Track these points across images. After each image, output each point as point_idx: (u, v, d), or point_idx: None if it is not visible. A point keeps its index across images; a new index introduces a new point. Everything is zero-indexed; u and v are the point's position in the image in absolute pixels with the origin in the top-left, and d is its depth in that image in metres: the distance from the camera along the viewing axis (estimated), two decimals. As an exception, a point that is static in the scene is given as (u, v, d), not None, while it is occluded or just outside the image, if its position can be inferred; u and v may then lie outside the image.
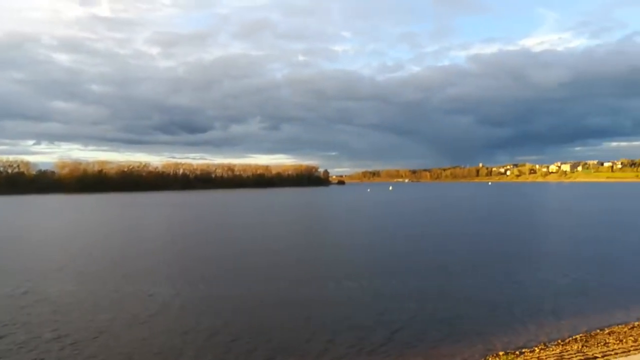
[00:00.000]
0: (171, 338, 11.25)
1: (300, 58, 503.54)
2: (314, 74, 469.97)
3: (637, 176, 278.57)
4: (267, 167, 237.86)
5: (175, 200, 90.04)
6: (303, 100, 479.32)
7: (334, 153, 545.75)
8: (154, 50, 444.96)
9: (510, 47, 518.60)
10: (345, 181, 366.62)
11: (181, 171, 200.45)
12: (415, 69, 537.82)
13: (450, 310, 13.47)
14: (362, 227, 38.90)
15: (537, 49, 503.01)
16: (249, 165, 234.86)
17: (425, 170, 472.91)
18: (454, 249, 25.33)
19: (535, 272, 18.64)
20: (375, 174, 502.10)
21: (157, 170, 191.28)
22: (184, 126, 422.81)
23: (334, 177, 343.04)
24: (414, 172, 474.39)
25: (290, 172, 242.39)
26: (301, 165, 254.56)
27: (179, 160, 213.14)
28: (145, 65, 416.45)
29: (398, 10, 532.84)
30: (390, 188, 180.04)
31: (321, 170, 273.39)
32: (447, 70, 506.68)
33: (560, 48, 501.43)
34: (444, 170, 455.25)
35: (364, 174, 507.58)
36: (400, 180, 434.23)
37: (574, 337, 10.98)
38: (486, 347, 10.45)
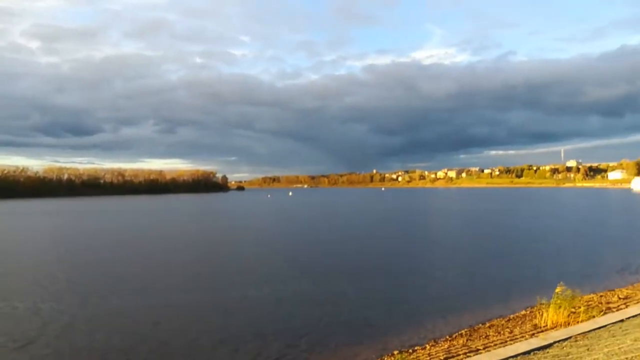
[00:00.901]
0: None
1: (198, 60, 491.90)
2: (211, 77, 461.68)
3: (511, 181, 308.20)
4: (160, 173, 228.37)
5: (51, 208, 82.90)
6: (200, 104, 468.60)
7: (233, 158, 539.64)
8: (34, 44, 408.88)
9: (403, 59, 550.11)
10: (245, 187, 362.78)
11: (65, 176, 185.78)
12: (313, 76, 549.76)
13: (348, 313, 13.85)
14: (260, 234, 38.69)
15: (427, 61, 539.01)
16: (142, 170, 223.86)
17: (323, 176, 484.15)
18: (353, 251, 26.11)
19: (426, 272, 19.83)
20: (275, 179, 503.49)
21: (37, 175, 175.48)
22: (70, 128, 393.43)
23: (233, 182, 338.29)
24: (312, 177, 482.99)
25: (185, 178, 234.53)
26: (198, 171, 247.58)
27: (63, 165, 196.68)
28: (24, 60, 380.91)
29: (297, 18, 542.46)
30: (290, 193, 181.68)
31: (219, 175, 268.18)
32: (343, 80, 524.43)
33: (447, 62, 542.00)
34: (341, 176, 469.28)
35: (264, 179, 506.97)
36: (300, 185, 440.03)
37: (459, 332, 11.82)
38: (382, 348, 10.90)
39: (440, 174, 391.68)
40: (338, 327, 12.56)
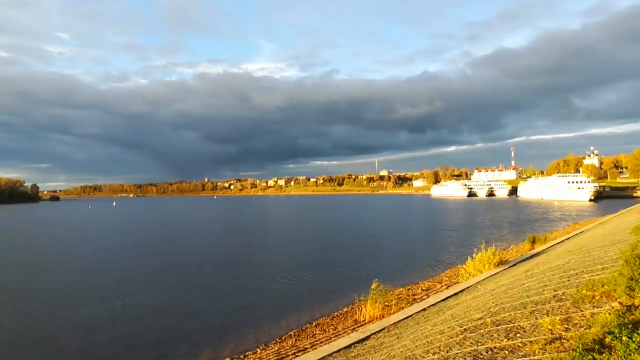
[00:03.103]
0: None
1: (3, 54, 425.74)
2: (20, 74, 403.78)
3: (334, 189, 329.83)
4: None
5: None
6: (6, 103, 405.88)
7: (45, 165, 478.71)
8: None
9: (235, 70, 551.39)
10: (61, 197, 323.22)
11: None
12: (142, 81, 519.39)
13: (182, 325, 13.46)
14: (77, 249, 35.04)
15: (258, 74, 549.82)
16: None
17: (151, 184, 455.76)
18: (182, 263, 25.27)
19: (256, 278, 20.12)
20: (96, 188, 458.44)
21: None
22: None
23: (45, 192, 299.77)
24: (139, 186, 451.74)
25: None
26: (0, 179, 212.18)
27: None
28: None
29: (124, 19, 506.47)
30: (114, 203, 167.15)
31: (28, 184, 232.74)
32: (174, 86, 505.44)
33: (277, 76, 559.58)
34: (171, 184, 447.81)
35: (84, 188, 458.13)
36: (125, 195, 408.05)
37: (289, 333, 12.28)
38: (215, 357, 10.79)
39: (271, 182, 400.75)
40: (169, 340, 12.10)
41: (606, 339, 4.02)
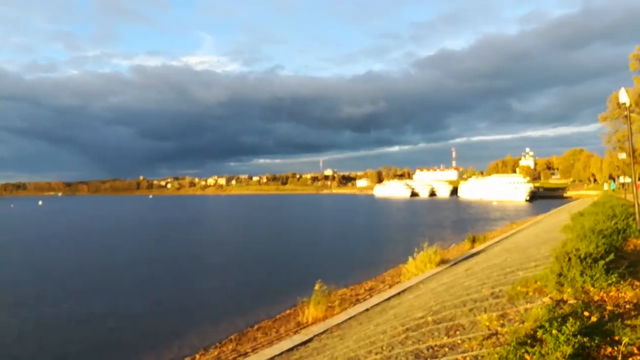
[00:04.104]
0: None
1: None
2: None
3: (277, 188, 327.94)
4: None
5: None
6: None
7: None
8: None
9: (174, 63, 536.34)
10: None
11: None
12: (72, 72, 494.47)
13: (114, 331, 12.87)
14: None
15: (199, 67, 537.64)
16: None
17: (82, 182, 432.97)
18: (112, 266, 24.25)
19: (195, 282, 19.63)
20: (20, 186, 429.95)
21: None
22: None
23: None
24: (69, 184, 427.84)
25: None
26: None
27: None
28: None
29: (52, 5, 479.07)
30: (40, 202, 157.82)
31: None
32: (108, 78, 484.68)
33: (218, 70, 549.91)
34: (103, 182, 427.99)
35: (5, 186, 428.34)
36: (53, 193, 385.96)
37: (229, 337, 12.03)
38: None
39: (211, 181, 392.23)
40: (101, 346, 11.56)
41: (538, 333, 4.20)
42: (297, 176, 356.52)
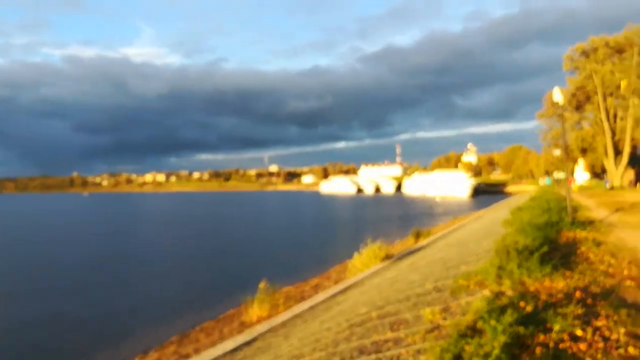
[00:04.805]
0: None
1: None
2: None
3: (220, 185, 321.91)
4: None
5: None
6: None
7: None
8: None
9: (111, 54, 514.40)
10: None
11: None
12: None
13: (49, 335, 12.21)
14: None
15: (137, 59, 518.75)
16: None
17: (8, 179, 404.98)
18: (41, 267, 22.98)
19: (133, 283, 18.95)
20: None
21: None
22: None
23: None
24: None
25: None
26: None
27: None
28: None
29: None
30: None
31: None
32: (39, 68, 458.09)
33: (158, 62, 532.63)
34: (33, 180, 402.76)
35: None
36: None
37: (170, 339, 11.68)
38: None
39: (149, 177, 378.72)
40: (33, 352, 10.88)
41: (477, 324, 4.33)
42: (241, 172, 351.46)
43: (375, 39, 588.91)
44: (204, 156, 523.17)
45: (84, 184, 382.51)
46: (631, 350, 3.97)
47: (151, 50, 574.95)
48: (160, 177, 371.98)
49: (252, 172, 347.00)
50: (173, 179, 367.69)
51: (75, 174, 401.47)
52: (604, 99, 58.98)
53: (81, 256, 26.98)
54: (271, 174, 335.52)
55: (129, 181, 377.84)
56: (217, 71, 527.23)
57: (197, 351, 10.01)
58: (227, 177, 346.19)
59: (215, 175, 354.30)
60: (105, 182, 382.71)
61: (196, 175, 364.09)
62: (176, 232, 42.68)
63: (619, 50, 58.48)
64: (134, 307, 15.17)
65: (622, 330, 4.39)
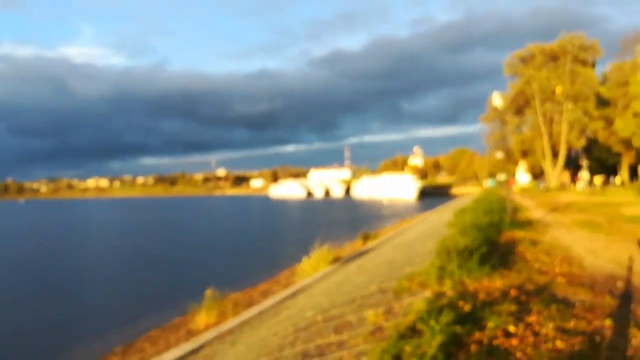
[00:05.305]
0: None
1: None
2: None
3: (165, 190, 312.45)
4: None
5: None
6: None
7: None
8: None
9: (49, 53, 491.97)
10: None
11: None
12: None
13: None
14: None
15: (78, 60, 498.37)
16: None
17: None
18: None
19: (75, 292, 18.19)
20: None
21: None
22: None
23: None
24: None
25: None
26: None
27: None
28: None
29: None
30: None
31: None
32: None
33: (100, 63, 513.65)
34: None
35: None
36: None
37: (114, 350, 11.30)
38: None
39: (91, 182, 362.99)
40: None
41: (417, 325, 4.46)
42: (187, 177, 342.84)
43: (324, 42, 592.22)
44: (149, 160, 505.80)
45: (20, 190, 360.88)
46: (558, 343, 4.22)
47: (93, 51, 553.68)
48: (104, 183, 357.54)
49: (199, 176, 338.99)
50: (117, 184, 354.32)
51: (9, 179, 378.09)
52: (542, 104, 62.13)
53: (12, 265, 25.57)
54: (219, 178, 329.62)
55: (70, 187, 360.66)
56: (162, 73, 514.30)
57: (141, 361, 9.74)
58: (173, 182, 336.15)
59: (161, 180, 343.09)
60: (44, 188, 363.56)
61: (141, 180, 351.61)
62: (120, 239, 41.24)
63: (554, 58, 61.88)
64: (73, 319, 14.55)
65: (551, 325, 4.65)
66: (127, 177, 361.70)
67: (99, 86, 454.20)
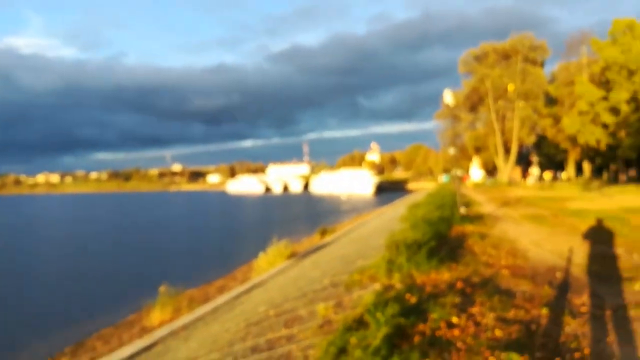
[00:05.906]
0: None
1: None
2: None
3: (119, 186, 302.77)
4: None
5: None
6: None
7: None
8: None
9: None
10: None
11: None
12: None
13: None
14: None
15: (26, 51, 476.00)
16: None
17: None
18: None
19: (19, 293, 17.50)
20: None
21: None
22: None
23: None
24: None
25: None
26: None
27: None
28: None
29: None
30: None
31: None
32: None
33: (50, 54, 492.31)
34: None
35: None
36: None
37: (63, 350, 11.00)
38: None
39: (41, 178, 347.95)
40: None
41: (364, 317, 4.59)
42: (142, 172, 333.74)
43: (282, 38, 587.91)
44: (103, 155, 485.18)
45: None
46: (497, 332, 4.45)
47: (41, 42, 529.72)
48: (54, 178, 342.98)
49: (154, 171, 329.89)
50: (68, 179, 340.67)
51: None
52: (495, 102, 64.17)
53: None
54: (174, 174, 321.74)
55: (17, 182, 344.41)
56: (117, 66, 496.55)
57: (92, 359, 9.53)
58: (127, 177, 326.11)
59: (115, 175, 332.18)
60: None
61: (94, 175, 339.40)
62: (69, 236, 39.84)
63: (506, 57, 63.98)
64: (20, 320, 14.02)
65: (492, 315, 4.89)
66: (80, 173, 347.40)
67: (49, 78, 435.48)
